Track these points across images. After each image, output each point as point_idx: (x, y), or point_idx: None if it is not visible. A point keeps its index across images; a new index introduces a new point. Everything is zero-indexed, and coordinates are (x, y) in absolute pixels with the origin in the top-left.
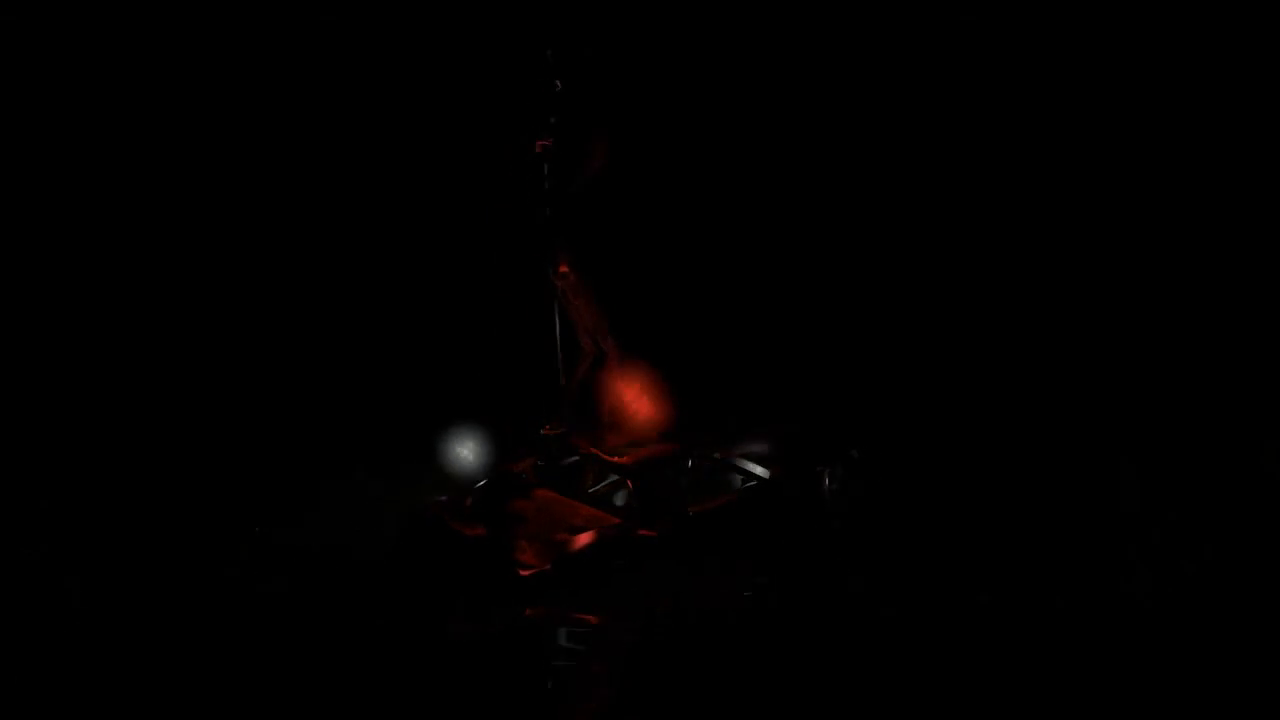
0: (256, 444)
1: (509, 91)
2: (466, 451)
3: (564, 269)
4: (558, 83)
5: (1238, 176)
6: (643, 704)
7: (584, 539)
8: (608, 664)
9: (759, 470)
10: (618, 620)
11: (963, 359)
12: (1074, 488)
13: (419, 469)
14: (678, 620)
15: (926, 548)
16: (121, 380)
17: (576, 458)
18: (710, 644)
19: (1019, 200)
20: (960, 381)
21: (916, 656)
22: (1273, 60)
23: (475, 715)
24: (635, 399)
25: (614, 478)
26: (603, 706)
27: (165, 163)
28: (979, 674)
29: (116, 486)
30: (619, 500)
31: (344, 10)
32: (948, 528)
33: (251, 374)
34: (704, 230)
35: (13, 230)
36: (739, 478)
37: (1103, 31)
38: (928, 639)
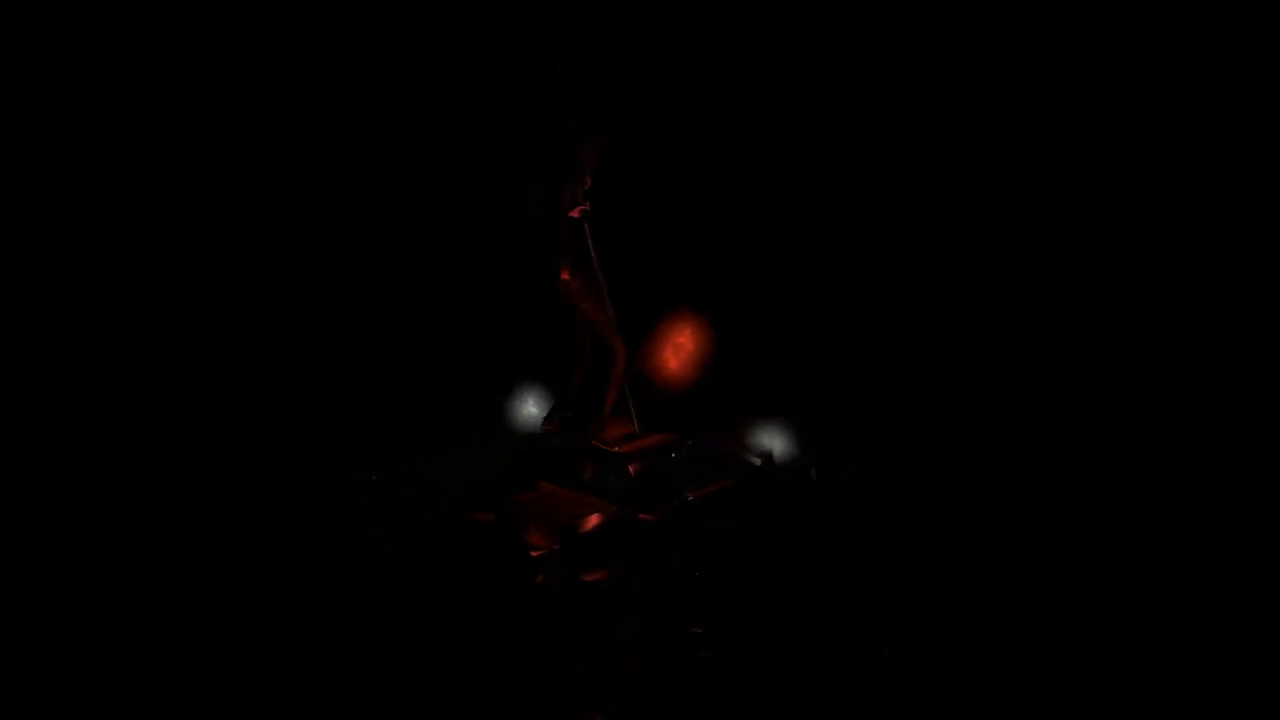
0: (256, 444)
1: (514, 94)
2: (533, 410)
3: (565, 275)
4: (574, 123)
5: (1238, 177)
6: (646, 697)
7: (590, 522)
8: (612, 659)
9: (754, 459)
10: (621, 597)
11: (963, 360)
12: (1074, 488)
13: (418, 465)
14: (676, 603)
15: (927, 547)
16: (121, 380)
17: (576, 452)
18: (707, 632)
19: (1019, 201)
20: (961, 382)
21: (915, 655)
22: (1273, 60)
23: (481, 711)
24: (673, 353)
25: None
26: (608, 700)
27: (187, 164)
28: (979, 673)
29: (116, 486)
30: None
31: (347, 12)
32: (948, 527)
33: (249, 376)
34: (702, 230)
35: (13, 230)
36: (735, 465)
37: (1102, 32)
38: (927, 638)
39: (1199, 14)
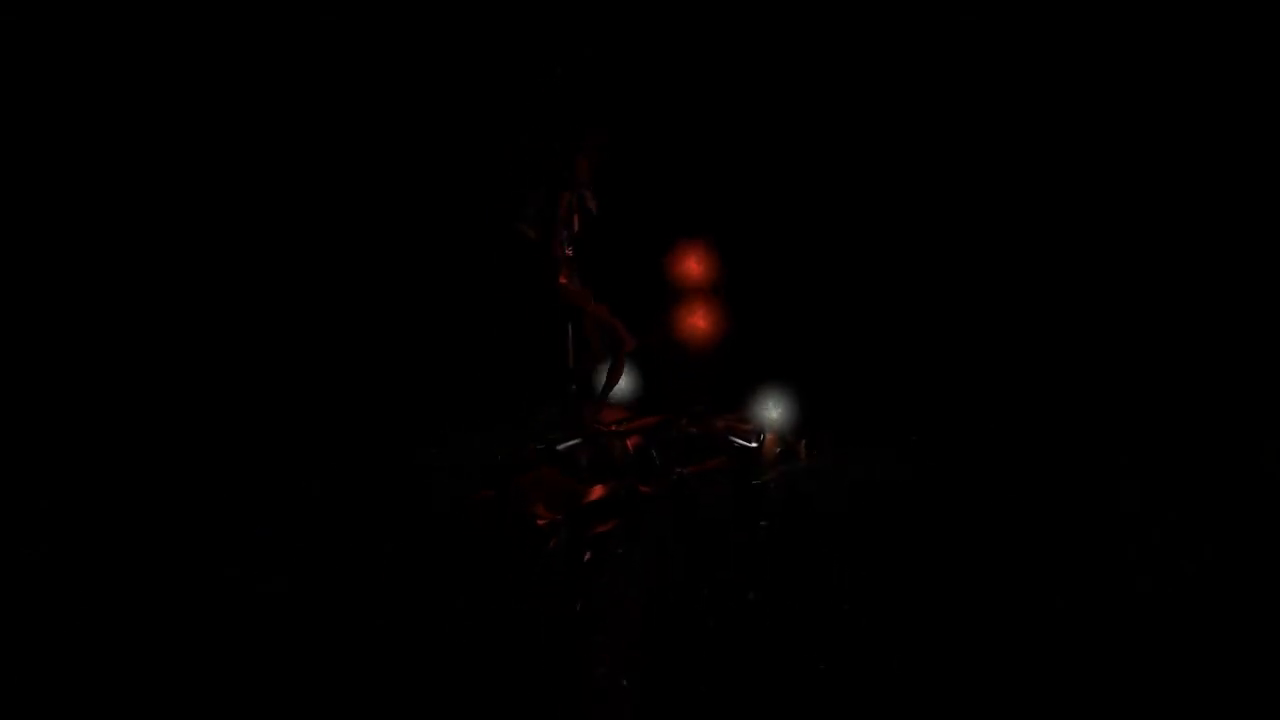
0: (257, 444)
1: (514, 94)
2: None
3: (563, 280)
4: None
5: (1238, 177)
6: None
7: (595, 492)
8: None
9: (749, 440)
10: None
11: (964, 359)
12: (1074, 488)
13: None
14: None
15: (927, 546)
16: (121, 380)
17: (573, 441)
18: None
19: (1020, 201)
20: (962, 382)
21: (914, 655)
22: (1273, 60)
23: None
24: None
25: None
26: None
27: (189, 166)
28: (978, 673)
29: (116, 486)
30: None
31: (346, 12)
32: (948, 527)
33: (249, 376)
34: (704, 226)
35: (13, 230)
36: (730, 444)
37: (1107, 32)
38: (927, 639)
39: (1199, 14)
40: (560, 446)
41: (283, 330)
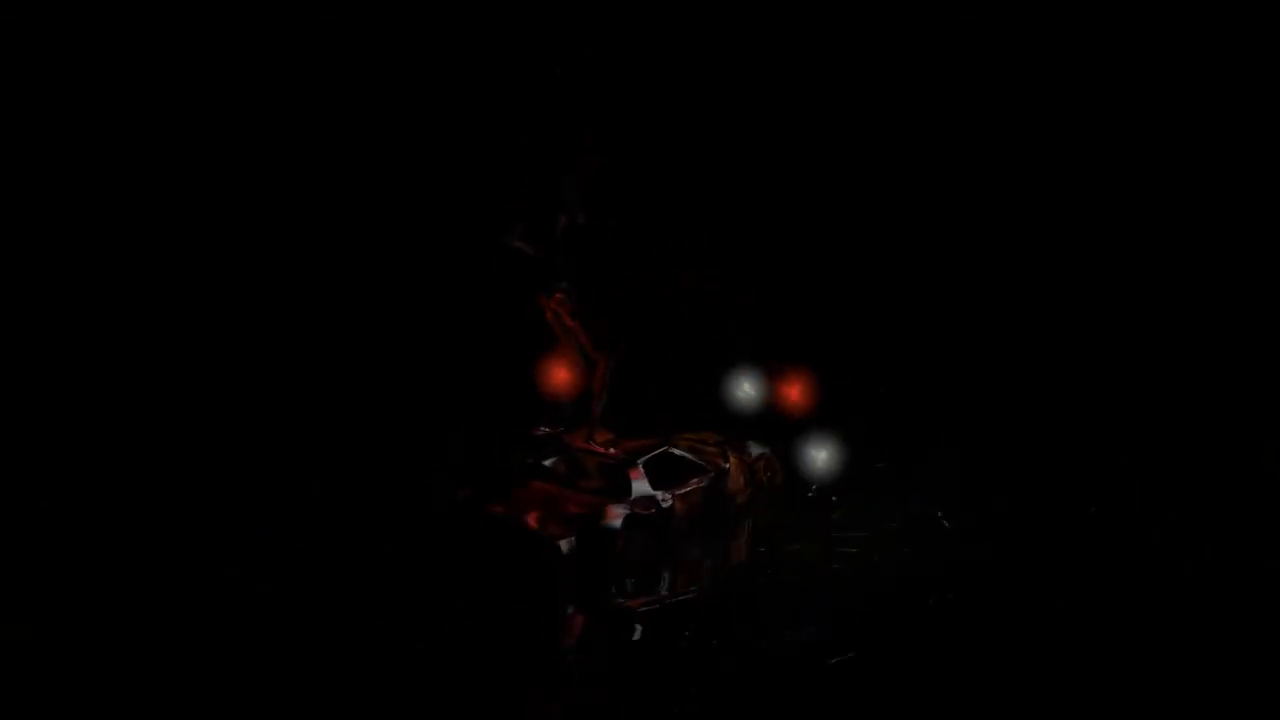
0: (256, 443)
1: (514, 94)
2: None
3: (559, 296)
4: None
5: (1238, 177)
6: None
7: (610, 514)
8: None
9: (723, 463)
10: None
11: (963, 358)
12: (1075, 487)
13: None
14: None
15: (926, 547)
16: (121, 380)
17: (564, 457)
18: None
19: (1020, 200)
20: (961, 381)
21: (914, 656)
22: (1273, 60)
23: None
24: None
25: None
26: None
27: (190, 167)
28: (977, 673)
29: (116, 486)
30: None
31: (347, 12)
32: (948, 527)
33: (249, 377)
34: (705, 228)
35: (13, 230)
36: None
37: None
38: (926, 639)
39: (1199, 14)
40: (547, 462)
41: (283, 332)
